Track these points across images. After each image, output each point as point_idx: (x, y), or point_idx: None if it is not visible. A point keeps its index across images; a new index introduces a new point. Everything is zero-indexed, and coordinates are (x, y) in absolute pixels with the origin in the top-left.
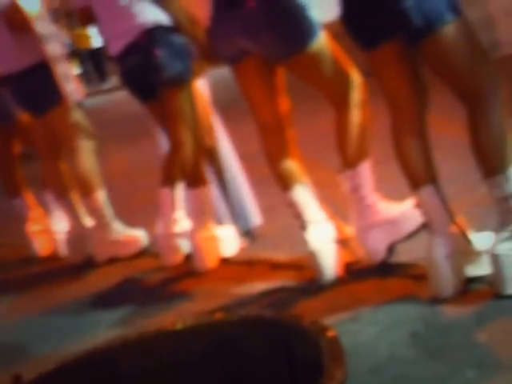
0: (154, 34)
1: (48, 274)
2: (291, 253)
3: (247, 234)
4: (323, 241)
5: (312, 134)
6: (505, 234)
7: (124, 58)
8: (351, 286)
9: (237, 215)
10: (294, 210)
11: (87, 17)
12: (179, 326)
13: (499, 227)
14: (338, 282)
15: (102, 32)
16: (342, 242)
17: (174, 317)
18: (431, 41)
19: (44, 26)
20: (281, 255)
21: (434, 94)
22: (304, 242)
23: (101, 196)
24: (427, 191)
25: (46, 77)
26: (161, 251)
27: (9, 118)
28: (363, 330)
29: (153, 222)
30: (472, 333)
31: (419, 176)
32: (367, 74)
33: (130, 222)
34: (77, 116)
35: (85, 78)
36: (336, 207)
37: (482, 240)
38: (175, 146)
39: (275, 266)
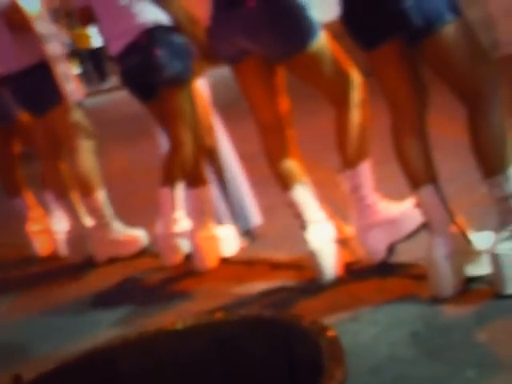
0: (154, 33)
1: (48, 273)
2: (291, 253)
3: (247, 233)
4: (323, 241)
5: (312, 133)
6: (505, 234)
7: (124, 57)
8: (351, 285)
9: (237, 215)
10: (293, 209)
11: (87, 16)
12: (179, 325)
13: (499, 227)
14: (338, 282)
15: (102, 32)
16: (342, 242)
17: (174, 317)
18: (431, 41)
19: (44, 26)
20: (281, 255)
21: (434, 94)
22: (304, 242)
23: (101, 196)
24: (427, 191)
25: (46, 77)
26: (161, 251)
27: (9, 117)
28: (363, 330)
29: (153, 222)
30: (472, 332)
31: (419, 176)
32: (367, 73)
33: (130, 221)
34: (77, 116)
35: (85, 77)
36: (336, 207)
37: (481, 240)
38: (175, 145)
39: (275, 266)
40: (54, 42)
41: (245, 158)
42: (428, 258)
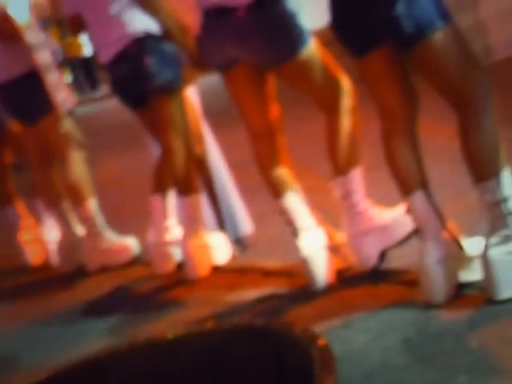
0: (143, 42)
1: (40, 283)
2: (283, 260)
3: (237, 242)
4: (315, 247)
5: (302, 139)
6: (496, 239)
7: (114, 66)
8: (343, 292)
9: (227, 223)
10: (285, 216)
11: (78, 25)
12: (170, 335)
13: (490, 232)
14: (330, 289)
15: (93, 40)
16: (334, 249)
17: (166, 325)
18: (421, 47)
19: (34, 35)
20: (272, 262)
21: (425, 100)
22: (296, 249)
23: (92, 204)
24: (418, 197)
25: (37, 86)
26: (152, 259)
27: None
28: (355, 337)
29: (144, 230)
30: (464, 338)
31: (410, 182)
32: (357, 80)
33: (122, 230)
34: (67, 125)
35: (76, 86)
36: (327, 214)
37: (473, 245)
38: (166, 153)
39: (267, 274)
40: (44, 50)
41: (236, 165)
42: (420, 264)
